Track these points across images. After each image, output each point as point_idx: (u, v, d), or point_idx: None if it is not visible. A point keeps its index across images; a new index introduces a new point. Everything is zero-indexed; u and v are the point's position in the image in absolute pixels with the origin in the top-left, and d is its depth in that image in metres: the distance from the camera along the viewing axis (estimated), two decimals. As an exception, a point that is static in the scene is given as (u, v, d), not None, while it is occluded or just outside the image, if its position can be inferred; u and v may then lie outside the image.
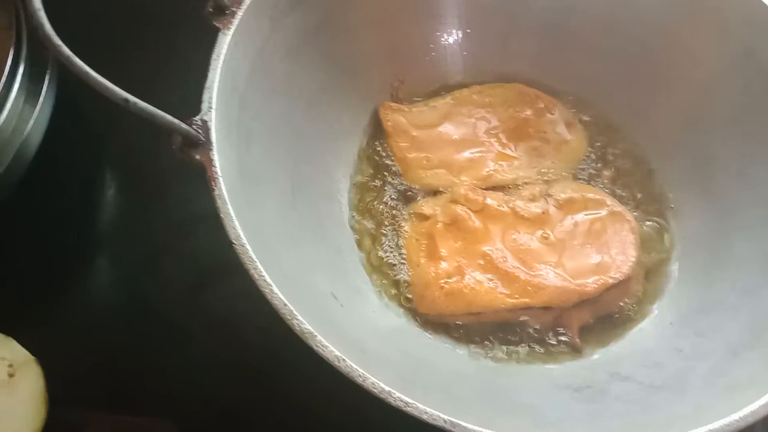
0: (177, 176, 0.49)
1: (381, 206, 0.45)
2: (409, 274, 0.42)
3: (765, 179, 0.41)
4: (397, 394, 0.28)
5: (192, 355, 0.44)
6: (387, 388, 0.28)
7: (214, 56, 0.36)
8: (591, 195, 0.44)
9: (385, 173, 0.46)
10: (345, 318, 0.37)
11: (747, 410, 0.29)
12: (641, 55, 0.46)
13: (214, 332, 0.45)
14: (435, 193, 0.45)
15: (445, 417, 0.27)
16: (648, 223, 0.45)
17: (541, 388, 0.37)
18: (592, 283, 0.40)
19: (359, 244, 0.43)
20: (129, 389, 0.44)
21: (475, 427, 0.27)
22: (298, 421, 0.42)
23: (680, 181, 0.45)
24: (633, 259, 0.41)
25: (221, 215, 0.31)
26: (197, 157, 0.33)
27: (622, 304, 0.41)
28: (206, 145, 0.33)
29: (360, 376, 0.28)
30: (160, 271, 0.48)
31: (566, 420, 0.34)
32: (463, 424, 0.27)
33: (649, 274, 0.43)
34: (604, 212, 0.43)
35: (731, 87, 0.44)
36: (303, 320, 0.29)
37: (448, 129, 0.47)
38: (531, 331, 0.40)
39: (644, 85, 0.47)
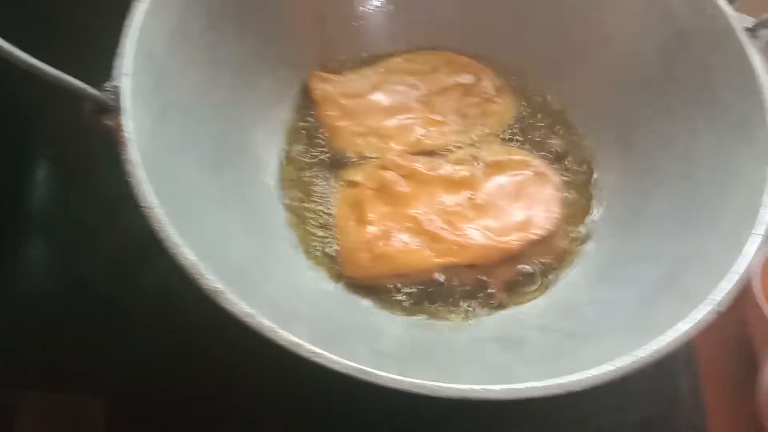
0: (108, 153, 0.49)
1: (310, 175, 0.45)
2: (338, 239, 0.42)
3: (682, 134, 0.42)
4: (308, 346, 0.28)
5: (127, 332, 0.44)
6: (297, 341, 0.28)
7: (127, 22, 0.36)
8: (517, 157, 0.45)
9: (315, 142, 0.46)
10: (270, 284, 0.37)
11: (653, 347, 0.30)
12: (564, 17, 0.47)
13: (150, 308, 0.45)
14: (365, 160, 0.45)
15: (355, 365, 0.28)
16: (572, 181, 0.46)
17: (465, 342, 0.38)
18: (515, 240, 0.41)
19: (288, 212, 0.43)
20: (64, 368, 0.44)
21: (384, 374, 0.28)
22: (232, 394, 0.42)
23: (604, 140, 0.46)
24: (556, 216, 0.42)
25: (130, 179, 0.31)
26: (108, 122, 0.33)
27: (546, 259, 0.42)
28: (117, 110, 0.33)
29: (270, 330, 0.28)
30: (94, 249, 0.47)
31: (484, 369, 0.34)
32: (374, 371, 0.28)
33: (572, 230, 0.44)
34: (529, 172, 0.44)
35: (651, 47, 0.44)
36: (211, 278, 0.29)
37: (378, 97, 0.47)
38: (457, 289, 0.41)
39: (567, 47, 0.48)
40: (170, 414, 0.42)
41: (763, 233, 0.34)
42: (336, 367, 0.28)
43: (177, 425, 0.43)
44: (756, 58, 0.39)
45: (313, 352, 0.28)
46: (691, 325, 0.31)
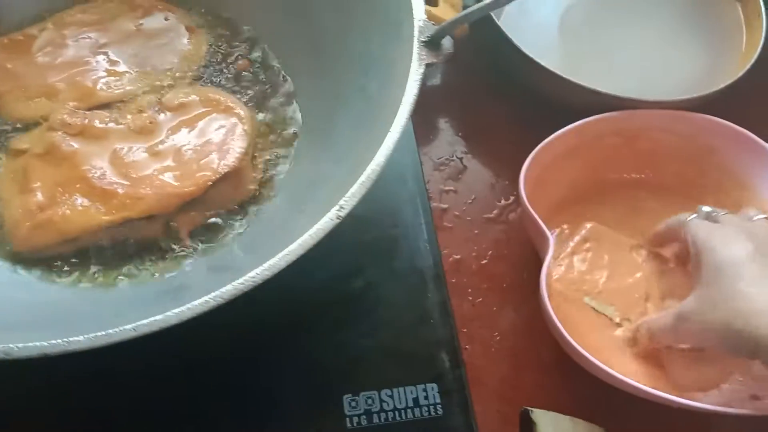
0: None
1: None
2: (2, 215, 0.39)
3: (359, 48, 0.41)
4: None
5: None
6: None
7: None
8: (204, 96, 0.43)
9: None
10: None
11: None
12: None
13: None
14: (36, 125, 0.42)
15: None
16: (267, 113, 0.44)
17: (139, 298, 0.36)
18: (192, 183, 0.39)
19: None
20: None
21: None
22: None
23: (298, 63, 0.45)
24: (239, 151, 0.40)
25: None
26: None
27: (237, 196, 0.40)
28: None
29: None
30: None
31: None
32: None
33: (267, 164, 0.42)
34: (216, 111, 0.42)
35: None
36: None
37: (49, 55, 0.43)
38: (138, 244, 0.39)
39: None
40: None
41: (399, 131, 0.32)
42: None
43: None
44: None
45: None
46: (312, 232, 0.30)
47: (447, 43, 0.34)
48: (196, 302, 0.27)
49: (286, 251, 0.28)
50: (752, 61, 0.53)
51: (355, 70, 0.40)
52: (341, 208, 0.29)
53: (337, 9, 0.42)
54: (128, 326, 0.26)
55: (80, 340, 0.26)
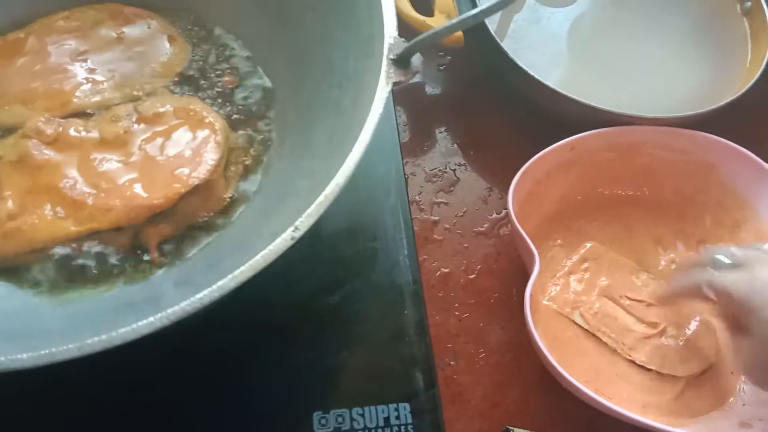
0: None
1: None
2: (-27, 222, 0.39)
3: (336, 60, 0.40)
4: None
5: None
6: None
7: None
8: (181, 106, 0.42)
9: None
10: None
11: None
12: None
13: None
14: (10, 132, 0.41)
15: None
16: (244, 125, 0.44)
17: (103, 310, 0.36)
18: (161, 195, 0.38)
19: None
20: None
21: None
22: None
23: (279, 77, 0.45)
24: (211, 163, 0.39)
25: None
26: None
27: (208, 209, 0.40)
28: None
29: None
30: None
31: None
32: None
33: (239, 177, 0.42)
34: (191, 122, 0.41)
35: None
36: None
37: (27, 61, 0.43)
38: (106, 255, 0.38)
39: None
40: None
41: (361, 151, 0.31)
42: None
43: None
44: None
45: None
46: (264, 254, 0.29)
47: (416, 61, 0.33)
48: (141, 323, 0.26)
49: (237, 272, 0.28)
50: (756, 76, 0.52)
51: (330, 81, 0.40)
52: (296, 228, 0.29)
53: (319, 20, 0.41)
54: (72, 345, 0.26)
55: (23, 358, 0.25)
